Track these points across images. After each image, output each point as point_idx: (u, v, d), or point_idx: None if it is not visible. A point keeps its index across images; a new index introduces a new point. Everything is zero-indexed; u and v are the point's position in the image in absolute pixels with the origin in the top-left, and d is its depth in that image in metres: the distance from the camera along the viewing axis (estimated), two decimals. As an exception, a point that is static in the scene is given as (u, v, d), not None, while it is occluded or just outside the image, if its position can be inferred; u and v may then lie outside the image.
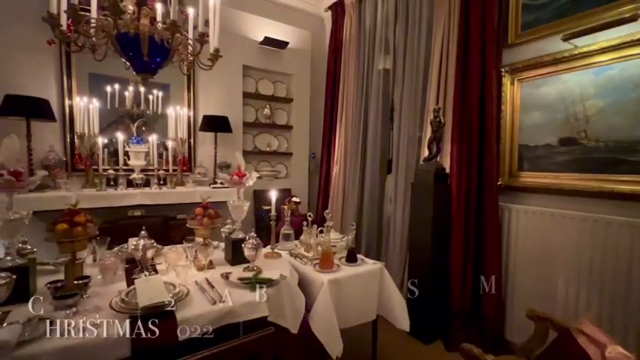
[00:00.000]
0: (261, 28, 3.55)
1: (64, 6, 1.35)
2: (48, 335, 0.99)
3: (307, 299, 1.66)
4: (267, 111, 3.75)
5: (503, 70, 2.20)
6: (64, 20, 1.38)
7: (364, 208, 3.37)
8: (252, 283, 1.41)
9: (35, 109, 2.34)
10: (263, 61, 3.63)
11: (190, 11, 1.58)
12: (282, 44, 3.57)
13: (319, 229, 1.96)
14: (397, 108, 2.98)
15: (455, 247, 2.27)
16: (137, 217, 2.53)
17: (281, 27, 3.70)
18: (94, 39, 1.36)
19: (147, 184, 2.74)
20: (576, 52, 1.87)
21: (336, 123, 3.70)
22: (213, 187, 3.01)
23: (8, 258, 1.21)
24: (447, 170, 2.34)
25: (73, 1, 1.31)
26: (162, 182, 2.84)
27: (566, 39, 1.86)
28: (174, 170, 2.89)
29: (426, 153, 2.44)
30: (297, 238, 2.14)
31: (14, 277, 1.09)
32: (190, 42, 1.52)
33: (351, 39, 3.50)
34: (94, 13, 1.39)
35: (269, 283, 1.42)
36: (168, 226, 2.45)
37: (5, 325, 0.98)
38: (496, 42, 2.16)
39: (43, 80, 2.54)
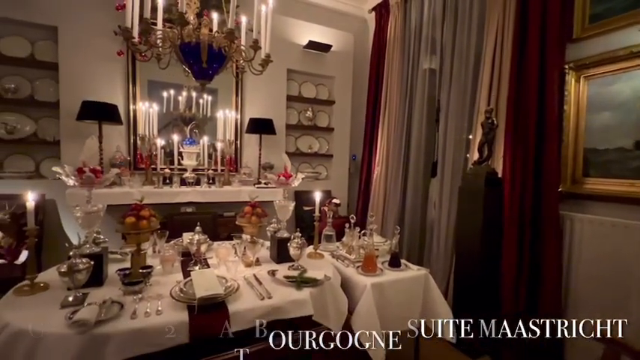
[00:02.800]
0: (306, 32, 3.63)
1: (134, 20, 1.49)
2: (119, 317, 1.10)
3: (349, 302, 1.66)
4: (309, 113, 3.82)
5: (566, 67, 2.02)
6: (135, 33, 1.52)
7: (406, 211, 3.29)
8: (298, 281, 1.44)
9: (106, 113, 2.62)
10: (306, 64, 3.70)
11: (243, 19, 1.66)
12: (325, 47, 3.62)
13: (362, 231, 1.95)
14: (443, 109, 2.87)
15: (507, 256, 2.13)
16: (189, 213, 2.70)
17: (324, 30, 3.75)
18: (160, 49, 1.48)
19: (197, 182, 2.92)
20: (658, 45, 1.67)
21: (377, 125, 3.66)
22: (257, 187, 3.12)
23: (87, 246, 1.36)
24: (500, 175, 2.20)
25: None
26: (211, 181, 3.01)
27: (645, 30, 1.67)
28: (222, 170, 3.05)
29: (475, 156, 2.32)
30: (337, 239, 2.15)
31: (92, 262, 1.22)
32: (244, 48, 1.60)
33: (395, 39, 3.44)
34: (160, 25, 1.52)
35: (314, 282, 1.45)
36: (217, 223, 2.59)
37: (86, 305, 1.10)
38: (559, 37, 1.99)
39: (112, 87, 2.83)
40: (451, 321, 1.79)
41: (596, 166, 1.95)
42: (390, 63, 3.51)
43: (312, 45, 3.55)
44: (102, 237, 1.56)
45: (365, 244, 1.84)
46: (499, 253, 2.16)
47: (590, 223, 1.93)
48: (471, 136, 2.68)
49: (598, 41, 1.92)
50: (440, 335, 1.78)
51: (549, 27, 2.01)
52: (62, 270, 1.15)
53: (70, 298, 1.17)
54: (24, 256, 2.31)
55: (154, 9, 1.45)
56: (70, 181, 1.32)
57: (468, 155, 2.72)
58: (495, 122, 2.13)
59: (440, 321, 1.79)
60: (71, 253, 1.21)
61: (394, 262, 1.84)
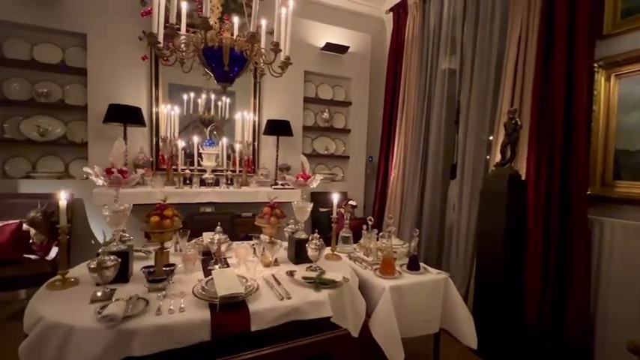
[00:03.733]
0: (323, 34, 3.65)
1: (159, 26, 1.54)
2: (145, 313, 1.13)
3: (367, 304, 1.65)
4: (325, 115, 3.83)
5: (596, 65, 1.94)
6: (160, 38, 1.57)
7: (424, 214, 3.23)
8: (316, 283, 1.44)
9: (131, 116, 2.71)
10: (323, 66, 3.71)
11: (263, 22, 1.69)
12: (342, 49, 3.62)
13: (380, 233, 1.93)
14: (464, 110, 2.81)
15: (531, 261, 2.06)
16: (208, 213, 2.76)
17: (341, 32, 3.75)
18: (183, 53, 1.53)
19: (216, 183, 2.98)
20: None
21: (395, 126, 3.62)
22: (274, 188, 3.15)
23: (113, 244, 1.41)
24: (523, 177, 2.14)
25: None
26: (229, 182, 3.07)
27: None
28: (240, 171, 3.10)
29: (497, 158, 2.26)
30: (353, 241, 2.14)
31: (119, 260, 1.27)
32: (264, 51, 1.62)
33: (413, 39, 3.40)
34: (183, 30, 1.57)
35: (332, 284, 1.44)
36: (235, 223, 2.63)
37: (114, 300, 1.14)
38: (588, 34, 1.92)
39: (136, 91, 2.93)
40: (472, 327, 1.75)
41: (628, 168, 1.86)
42: (407, 63, 3.48)
43: (330, 47, 3.56)
44: (127, 235, 1.62)
45: (383, 247, 1.83)
46: (523, 258, 2.09)
47: (621, 228, 1.84)
48: (491, 137, 2.62)
49: (630, 37, 1.84)
50: (461, 341, 1.74)
51: (577, 23, 1.93)
52: (92, 266, 1.20)
53: (99, 294, 1.21)
54: (54, 252, 2.43)
55: (178, 15, 1.49)
56: (100, 181, 1.37)
57: (488, 157, 2.65)
58: (519, 123, 2.07)
59: (461, 326, 1.75)
60: (100, 251, 1.26)
61: (413, 265, 1.82)
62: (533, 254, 2.05)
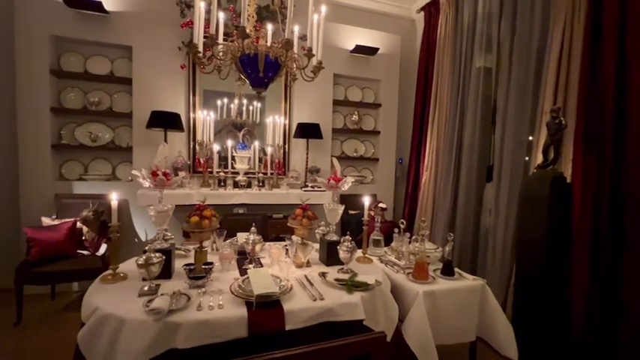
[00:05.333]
0: (352, 36, 3.65)
1: (200, 36, 1.63)
2: (187, 308, 1.20)
3: (399, 308, 1.63)
4: (355, 117, 3.82)
5: (652, 58, 1.78)
6: (200, 47, 1.66)
7: (457, 218, 3.13)
8: (349, 285, 1.44)
9: (171, 121, 2.88)
10: (353, 68, 3.72)
11: (295, 28, 1.73)
12: (372, 51, 3.61)
13: (413, 237, 1.90)
14: (501, 109, 2.69)
15: (578, 272, 1.92)
16: (241, 214, 2.86)
17: (371, 33, 3.73)
18: (221, 61, 1.60)
19: (249, 185, 3.08)
20: None
21: (426, 127, 3.54)
22: (304, 190, 3.19)
23: (157, 242, 1.50)
24: (569, 180, 2.01)
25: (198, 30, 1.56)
26: (261, 184, 3.15)
27: None
28: (271, 174, 3.18)
29: (538, 159, 2.14)
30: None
31: (164, 257, 1.35)
32: (296, 56, 1.66)
33: (445, 38, 3.32)
34: (221, 39, 1.65)
35: (365, 287, 1.44)
36: (266, 224, 2.69)
37: (159, 295, 1.22)
38: (642, 25, 1.77)
39: (176, 98, 3.10)
40: (512, 337, 1.66)
41: (692, 171, 1.69)
42: (440, 63, 3.39)
43: (359, 49, 3.56)
44: (169, 234, 1.72)
45: (416, 251, 1.80)
46: (568, 268, 1.96)
47: (684, 236, 1.67)
48: (531, 138, 2.49)
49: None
50: (499, 351, 1.67)
51: (630, 16, 1.79)
52: (140, 262, 1.29)
53: (146, 288, 1.30)
54: (103, 248, 2.63)
55: (216, 25, 1.57)
56: (146, 183, 1.47)
57: (527, 158, 2.52)
58: (564, 122, 1.95)
59: (499, 336, 1.67)
60: (146, 248, 1.35)
61: (447, 271, 1.77)
62: (581, 263, 1.92)
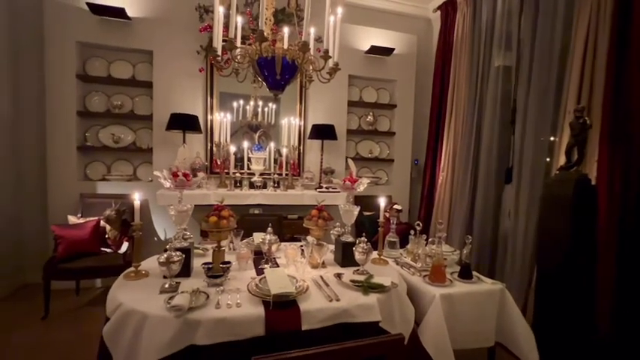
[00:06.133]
0: (367, 37, 3.64)
1: (219, 40, 1.67)
2: (206, 306, 1.23)
3: (415, 311, 1.61)
4: (370, 118, 3.81)
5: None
6: (218, 51, 1.69)
7: (475, 220, 3.06)
8: (365, 286, 1.44)
9: (189, 123, 2.95)
10: (368, 69, 3.71)
11: (311, 30, 1.74)
12: (387, 51, 3.59)
13: (430, 239, 1.88)
14: (521, 109, 2.63)
15: (603, 278, 1.85)
16: (256, 214, 2.89)
17: (386, 34, 3.71)
18: (238, 64, 1.63)
19: (264, 186, 3.11)
20: None
21: (443, 127, 3.49)
22: (319, 191, 3.20)
23: (177, 241, 1.54)
24: (593, 181, 1.93)
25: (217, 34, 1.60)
26: (276, 185, 3.18)
27: None
28: (286, 174, 3.21)
29: (561, 161, 2.07)
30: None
31: (184, 255, 1.39)
32: (312, 58, 1.67)
33: (463, 37, 3.26)
34: (238, 43, 1.68)
35: (381, 288, 1.44)
36: (281, 225, 2.72)
37: (180, 292, 1.25)
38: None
39: (194, 100, 3.18)
40: (533, 343, 1.62)
41: None
42: (457, 62, 3.34)
43: (374, 50, 3.55)
44: (188, 233, 1.76)
45: (433, 253, 1.77)
46: (593, 273, 1.89)
47: None
48: (552, 138, 2.42)
49: None
50: (519, 356, 1.62)
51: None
52: (161, 260, 1.33)
53: (167, 285, 1.34)
54: (124, 246, 2.72)
55: (234, 29, 1.60)
56: (167, 184, 1.52)
57: (549, 159, 2.45)
58: (588, 122, 1.88)
59: (519, 341, 1.63)
60: (167, 247, 1.39)
61: (465, 274, 1.74)
62: (605, 263, 1.84)
